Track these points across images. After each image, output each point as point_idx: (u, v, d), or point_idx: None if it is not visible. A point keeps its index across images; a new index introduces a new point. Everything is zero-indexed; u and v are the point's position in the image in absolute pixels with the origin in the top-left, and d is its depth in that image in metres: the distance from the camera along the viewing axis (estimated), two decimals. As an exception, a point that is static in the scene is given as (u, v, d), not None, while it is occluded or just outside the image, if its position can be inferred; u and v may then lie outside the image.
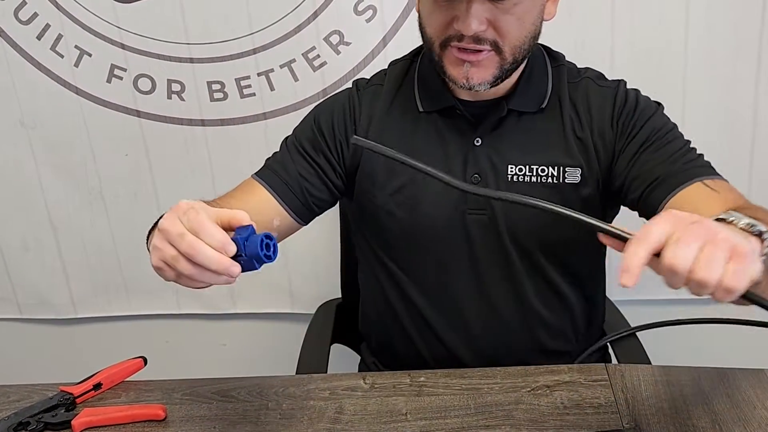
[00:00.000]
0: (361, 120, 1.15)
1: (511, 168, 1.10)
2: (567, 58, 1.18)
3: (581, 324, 1.22)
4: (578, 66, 1.17)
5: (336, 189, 1.16)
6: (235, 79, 1.58)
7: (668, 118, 1.11)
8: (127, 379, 1.09)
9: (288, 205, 1.12)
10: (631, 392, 0.98)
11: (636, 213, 1.09)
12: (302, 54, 1.55)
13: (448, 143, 1.12)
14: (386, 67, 1.20)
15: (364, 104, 1.16)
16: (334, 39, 1.52)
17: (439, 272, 1.16)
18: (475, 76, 1.03)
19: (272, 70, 1.56)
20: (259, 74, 1.57)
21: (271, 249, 0.78)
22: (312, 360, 1.27)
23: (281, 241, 1.06)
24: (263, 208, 1.10)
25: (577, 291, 1.19)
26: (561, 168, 1.10)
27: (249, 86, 1.58)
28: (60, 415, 0.99)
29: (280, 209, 1.11)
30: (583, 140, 1.10)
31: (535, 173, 1.10)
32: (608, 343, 1.29)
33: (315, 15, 1.52)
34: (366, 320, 1.30)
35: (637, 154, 1.08)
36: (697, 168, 1.04)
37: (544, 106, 1.11)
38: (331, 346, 1.39)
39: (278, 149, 1.18)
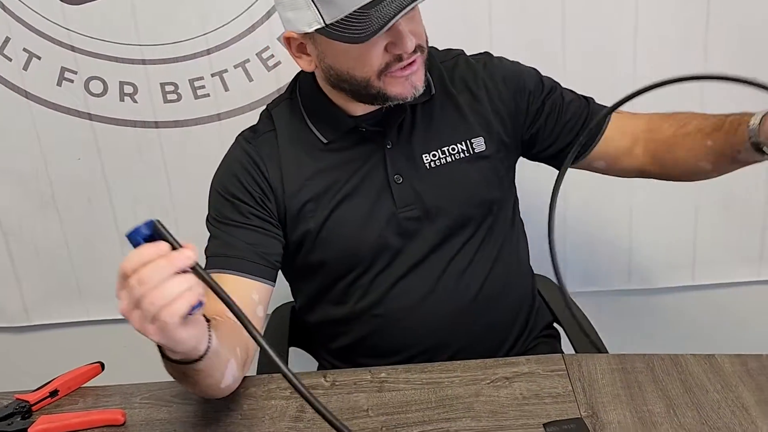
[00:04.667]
0: (269, 171, 1.14)
1: (426, 157, 1.16)
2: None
3: (517, 284, 1.27)
4: (435, 47, 1.23)
5: (280, 236, 1.15)
6: (189, 80, 1.56)
7: (549, 77, 1.24)
8: (85, 385, 1.08)
9: (259, 276, 1.09)
10: (588, 381, 1.00)
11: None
12: (256, 54, 1.54)
13: (363, 160, 1.15)
14: (262, 115, 1.21)
15: (264, 156, 1.15)
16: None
17: (389, 277, 1.18)
18: (418, 82, 1.08)
19: (226, 71, 1.55)
20: (213, 75, 1.56)
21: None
22: (270, 364, 1.26)
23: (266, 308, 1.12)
24: (240, 295, 1.05)
25: (505, 251, 1.23)
26: (467, 141, 1.17)
27: (203, 87, 1.57)
28: (16, 423, 0.98)
29: (254, 284, 1.09)
30: (482, 111, 1.18)
31: (448, 154, 1.16)
32: (566, 334, 1.31)
33: (268, 14, 1.51)
34: (320, 334, 1.29)
35: (544, 106, 1.19)
36: (600, 105, 1.23)
37: (433, 92, 1.17)
38: (289, 350, 1.39)
39: (208, 241, 1.14)
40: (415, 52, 1.05)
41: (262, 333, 1.37)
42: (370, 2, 0.98)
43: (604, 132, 1.19)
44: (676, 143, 1.13)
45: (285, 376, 0.75)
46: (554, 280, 1.53)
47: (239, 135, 1.20)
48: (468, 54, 1.24)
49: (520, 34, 1.52)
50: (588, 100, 1.23)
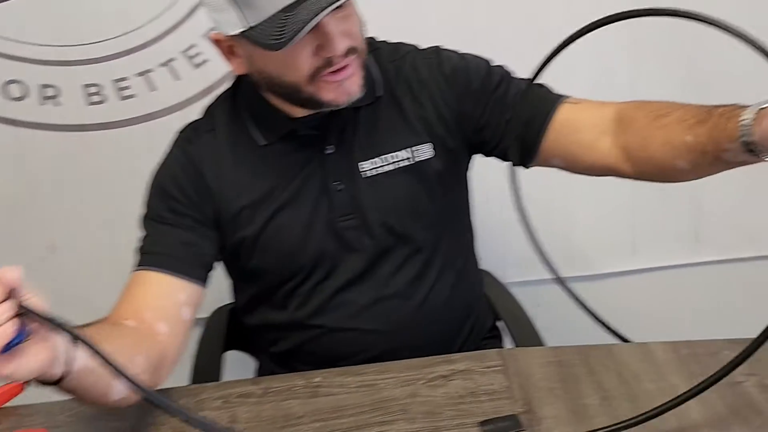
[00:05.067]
0: (207, 173, 1.10)
1: (364, 164, 1.10)
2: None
3: (465, 290, 1.24)
4: (387, 41, 1.17)
5: (215, 239, 1.11)
6: (113, 81, 1.51)
7: (500, 66, 1.14)
8: (5, 405, 1.03)
9: (187, 276, 1.05)
10: (525, 376, 0.99)
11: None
12: (181, 52, 1.50)
13: (302, 165, 1.11)
14: (206, 111, 1.16)
15: (203, 156, 1.10)
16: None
17: (329, 288, 1.15)
18: (353, 87, 1.02)
19: (151, 70, 1.51)
20: (137, 74, 1.51)
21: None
22: (205, 369, 1.23)
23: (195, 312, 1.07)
24: (164, 293, 1.03)
25: (451, 259, 1.20)
26: (411, 149, 1.11)
27: (128, 87, 1.52)
28: (-70, 450, 0.93)
29: (181, 284, 1.04)
30: (425, 117, 1.12)
31: (388, 162, 1.11)
32: (507, 328, 1.30)
33: (192, 11, 1.47)
34: (259, 337, 1.26)
35: (488, 105, 1.11)
36: (551, 95, 1.11)
37: (379, 94, 1.12)
38: (228, 353, 1.35)
39: (140, 239, 1.10)
40: (348, 54, 0.99)
41: (199, 337, 1.34)
42: (291, 4, 0.93)
43: (548, 125, 1.07)
44: (651, 136, 0.97)
45: (146, 396, 0.72)
46: (494, 274, 1.55)
47: (180, 132, 1.15)
48: (419, 49, 1.16)
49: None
50: (543, 91, 1.11)
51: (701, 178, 0.96)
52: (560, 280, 1.01)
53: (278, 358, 1.23)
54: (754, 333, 0.82)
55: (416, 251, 1.15)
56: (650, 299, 1.77)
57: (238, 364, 1.40)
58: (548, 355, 1.03)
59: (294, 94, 1.03)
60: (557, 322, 1.79)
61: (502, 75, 1.13)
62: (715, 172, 0.93)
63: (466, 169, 1.21)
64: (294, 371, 1.12)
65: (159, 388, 1.00)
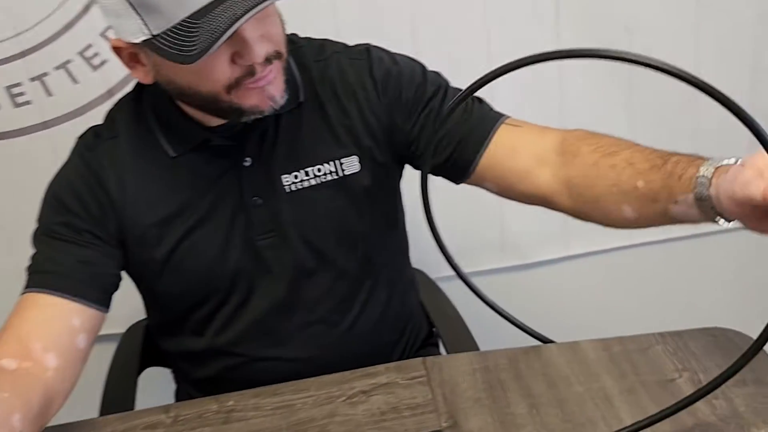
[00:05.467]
0: (110, 186, 0.99)
1: (286, 178, 1.01)
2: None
3: (398, 305, 1.16)
4: (312, 38, 1.07)
5: (118, 258, 1.01)
6: (5, 87, 1.40)
7: (436, 74, 1.06)
8: None
9: (84, 298, 0.95)
10: (450, 386, 0.93)
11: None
12: (78, 53, 1.39)
13: (216, 178, 1.01)
14: (107, 116, 1.05)
15: (106, 165, 0.99)
16: (112, 34, 1.37)
17: (249, 314, 1.07)
18: (276, 93, 0.92)
19: (46, 74, 1.40)
20: (32, 79, 1.40)
21: None
22: (117, 395, 1.15)
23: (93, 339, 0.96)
24: (56, 319, 0.93)
25: (383, 276, 1.13)
26: (337, 161, 1.02)
27: (22, 94, 1.41)
28: None
29: (76, 308, 0.94)
30: (352, 127, 1.02)
31: (313, 176, 1.02)
32: (439, 335, 1.24)
33: (86, 9, 1.37)
34: (177, 363, 1.18)
35: (420, 119, 1.02)
36: (491, 113, 1.03)
37: (302, 99, 1.02)
38: (147, 370, 1.27)
39: (31, 257, 0.99)
40: (270, 60, 0.89)
41: (112, 358, 1.26)
42: (201, 9, 0.81)
43: (484, 148, 0.99)
44: (599, 175, 0.88)
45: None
46: (428, 272, 1.49)
47: (80, 138, 1.04)
48: (348, 47, 1.06)
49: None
50: (482, 108, 1.03)
51: (643, 228, 0.89)
52: (467, 282, 0.95)
53: (197, 384, 1.15)
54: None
55: (343, 272, 1.07)
56: (585, 285, 1.74)
57: (158, 383, 1.31)
58: (474, 361, 0.97)
59: (211, 105, 0.92)
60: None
61: (438, 85, 1.03)
62: (659, 225, 0.86)
63: (398, 179, 1.12)
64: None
65: (54, 424, 0.92)
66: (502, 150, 0.99)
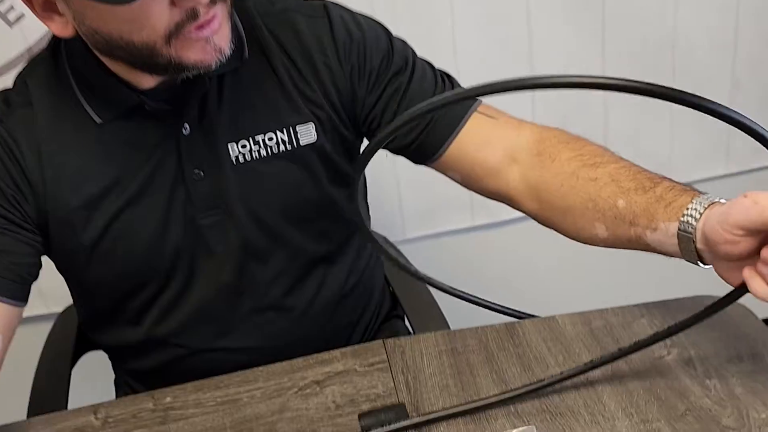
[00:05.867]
0: (27, 162, 0.85)
1: (232, 148, 0.89)
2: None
3: (359, 283, 1.05)
4: None
5: (38, 244, 0.87)
6: None
7: (402, 43, 0.94)
8: None
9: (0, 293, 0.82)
10: (413, 371, 0.84)
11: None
12: (-9, 8, 1.25)
13: (151, 149, 0.87)
14: (17, 81, 0.89)
15: (19, 137, 0.85)
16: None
17: (192, 300, 0.95)
18: (222, 43, 0.79)
19: (-43, 32, 1.25)
20: (-60, 39, 1.26)
21: None
22: (46, 389, 1.04)
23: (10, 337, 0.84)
24: None
25: (342, 254, 1.02)
26: (291, 129, 0.90)
27: (-69, 55, 1.27)
28: None
29: None
30: (307, 92, 0.90)
31: (263, 145, 0.89)
32: (404, 311, 1.14)
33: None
34: (113, 354, 1.07)
35: (383, 95, 0.91)
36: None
37: (246, 56, 0.88)
38: (88, 354, 1.16)
39: None
40: (213, 2, 0.76)
41: (43, 347, 1.14)
42: None
43: (453, 136, 0.90)
44: (575, 186, 0.81)
45: None
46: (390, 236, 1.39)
47: None
48: (302, 1, 0.92)
49: None
50: (451, 84, 0.94)
51: (610, 248, 0.81)
52: (388, 255, 0.83)
53: (138, 376, 1.04)
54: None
55: (296, 252, 0.96)
56: (559, 244, 1.64)
57: (100, 367, 1.20)
58: (441, 342, 0.87)
59: (146, 60, 0.78)
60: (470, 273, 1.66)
61: (406, 58, 0.92)
62: (628, 249, 0.79)
63: (359, 148, 1.00)
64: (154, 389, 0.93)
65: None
66: (473, 141, 0.90)
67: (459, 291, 0.83)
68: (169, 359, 0.98)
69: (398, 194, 1.53)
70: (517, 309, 0.88)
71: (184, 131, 0.87)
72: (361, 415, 0.76)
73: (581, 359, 0.81)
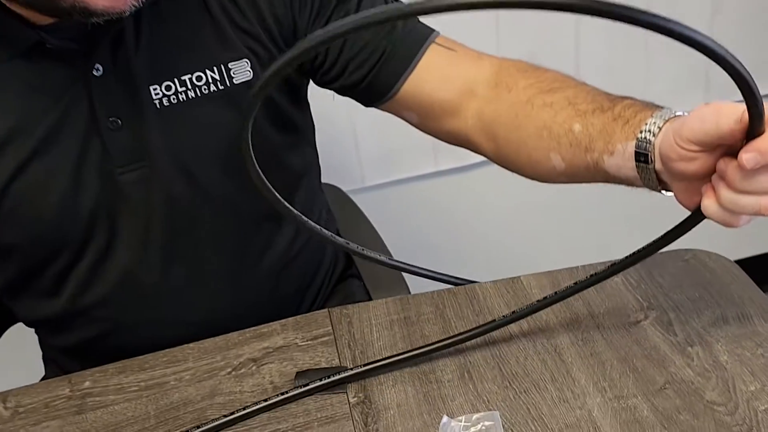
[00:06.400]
0: None
1: (156, 90, 0.77)
2: None
3: (308, 245, 0.95)
4: None
5: None
6: None
7: None
8: None
9: None
10: (361, 345, 0.74)
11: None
12: None
13: (58, 94, 0.75)
14: None
15: None
16: None
17: (116, 267, 0.83)
18: None
19: None
20: None
21: None
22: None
23: None
24: None
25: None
26: (223, 67, 0.78)
27: None
28: None
29: None
30: (241, 24, 0.78)
31: (191, 86, 0.78)
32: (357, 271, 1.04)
33: None
34: (34, 328, 0.96)
35: (330, 22, 0.80)
36: (418, 27, 0.83)
37: None
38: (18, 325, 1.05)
39: None
40: None
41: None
42: None
43: (409, 71, 0.81)
44: (528, 115, 0.74)
45: None
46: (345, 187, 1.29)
47: None
48: None
49: None
50: (410, 21, 0.84)
51: (570, 182, 0.74)
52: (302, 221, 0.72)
53: (65, 351, 0.94)
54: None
55: (234, 210, 0.85)
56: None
57: (24, 345, 1.09)
58: (392, 310, 0.78)
59: (45, 4, 0.67)
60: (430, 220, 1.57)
61: None
62: (588, 181, 0.71)
63: (305, 89, 0.90)
64: (84, 367, 0.81)
65: None
66: (430, 76, 0.81)
67: (396, 261, 0.74)
68: (94, 335, 0.88)
69: (354, 139, 1.42)
70: (468, 278, 0.80)
71: (95, 72, 0.75)
72: (298, 375, 0.70)
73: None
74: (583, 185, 0.76)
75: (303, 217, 0.70)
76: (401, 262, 0.74)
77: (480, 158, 1.40)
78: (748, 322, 0.70)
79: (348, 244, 0.71)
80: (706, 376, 0.65)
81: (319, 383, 0.69)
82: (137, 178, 0.79)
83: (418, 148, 1.48)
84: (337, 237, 0.71)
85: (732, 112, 0.53)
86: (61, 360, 0.95)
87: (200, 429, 0.67)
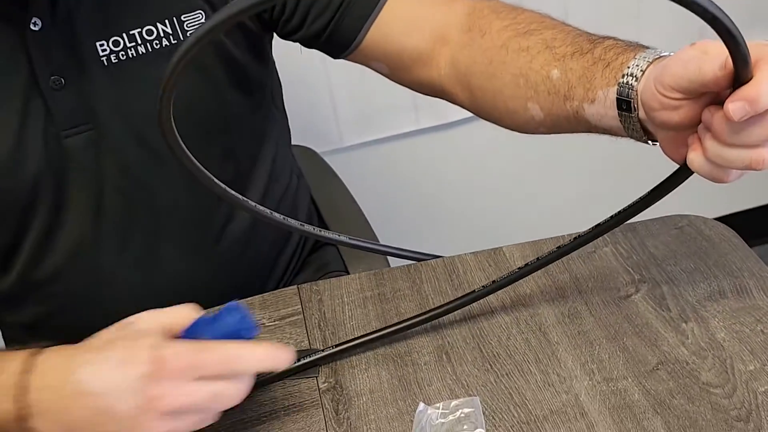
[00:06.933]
0: None
1: (102, 46, 0.71)
2: None
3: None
4: None
5: None
6: None
7: None
8: None
9: None
10: (332, 325, 0.69)
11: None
12: None
13: None
14: None
15: None
16: None
17: (66, 239, 0.78)
18: None
19: None
20: None
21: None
22: None
23: None
24: None
25: (255, 177, 0.86)
26: (176, 20, 0.72)
27: None
28: None
29: None
30: None
31: (141, 41, 0.72)
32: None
33: None
34: None
35: None
36: None
37: None
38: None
39: None
40: None
41: None
42: None
43: (372, 18, 0.75)
44: (503, 61, 0.68)
45: None
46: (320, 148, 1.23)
47: None
48: None
49: None
50: None
51: (551, 133, 0.68)
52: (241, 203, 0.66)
53: (21, 329, 0.88)
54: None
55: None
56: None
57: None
58: (366, 285, 0.73)
59: None
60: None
61: None
62: (569, 132, 0.65)
63: (268, 45, 0.84)
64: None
65: None
66: (397, 22, 0.75)
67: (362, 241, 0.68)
68: (48, 311, 0.83)
69: (331, 98, 1.35)
70: (449, 245, 0.75)
71: (33, 27, 0.69)
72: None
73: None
74: (577, 141, 0.71)
75: (241, 197, 0.64)
76: (361, 240, 0.69)
77: (462, 115, 1.36)
78: (747, 295, 0.65)
79: (302, 225, 0.65)
80: (702, 355, 0.60)
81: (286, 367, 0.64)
82: (84, 141, 0.74)
83: (399, 106, 1.41)
84: (290, 219, 0.65)
85: (717, 55, 0.47)
86: (20, 337, 0.90)
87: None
